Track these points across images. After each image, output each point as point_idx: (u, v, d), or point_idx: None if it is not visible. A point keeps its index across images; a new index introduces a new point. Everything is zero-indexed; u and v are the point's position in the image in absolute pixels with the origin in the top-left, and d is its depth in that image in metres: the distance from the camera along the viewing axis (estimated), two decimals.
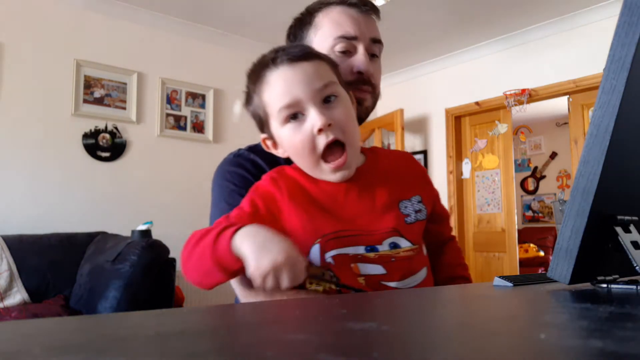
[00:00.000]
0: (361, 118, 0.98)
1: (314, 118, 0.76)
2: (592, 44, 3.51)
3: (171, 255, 2.54)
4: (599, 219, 0.47)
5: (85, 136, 3.27)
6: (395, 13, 3.45)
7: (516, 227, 4.22)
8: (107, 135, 3.34)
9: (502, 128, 4.23)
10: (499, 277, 0.58)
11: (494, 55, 4.14)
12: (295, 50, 0.81)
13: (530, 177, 7.22)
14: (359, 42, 0.96)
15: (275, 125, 0.81)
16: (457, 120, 4.46)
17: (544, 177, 7.11)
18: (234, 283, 0.81)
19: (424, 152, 4.59)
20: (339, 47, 0.95)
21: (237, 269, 0.66)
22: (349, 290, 0.76)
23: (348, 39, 0.95)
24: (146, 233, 2.67)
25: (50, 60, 3.17)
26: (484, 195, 4.32)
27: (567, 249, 0.47)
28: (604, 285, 0.50)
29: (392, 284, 0.77)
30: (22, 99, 3.05)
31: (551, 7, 3.52)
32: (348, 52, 0.95)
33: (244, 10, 3.53)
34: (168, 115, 3.64)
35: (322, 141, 0.77)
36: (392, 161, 0.90)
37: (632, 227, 0.50)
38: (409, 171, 0.90)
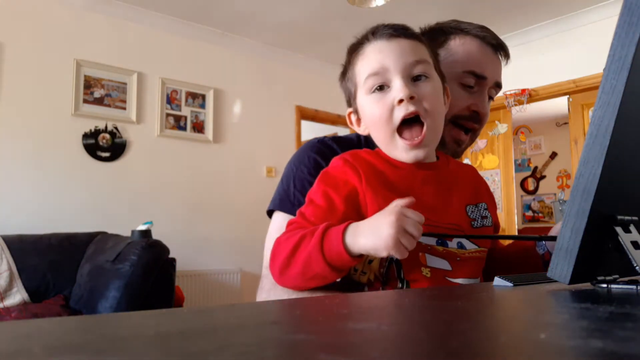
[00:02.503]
0: (454, 157, 0.99)
1: (397, 89, 0.76)
2: (592, 44, 3.51)
3: (171, 255, 2.54)
4: (599, 219, 0.47)
5: (85, 136, 3.27)
6: (395, 13, 3.45)
7: (516, 227, 4.22)
8: (107, 135, 3.35)
9: (502, 128, 4.23)
10: (499, 277, 0.58)
11: None
12: (396, 26, 0.80)
13: (530, 177, 7.21)
14: (486, 83, 0.96)
15: (360, 94, 0.81)
16: None
17: (544, 177, 7.11)
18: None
19: None
20: (465, 81, 0.95)
21: (352, 265, 0.69)
22: (394, 284, 0.75)
23: (478, 77, 0.95)
24: (146, 233, 2.67)
25: (50, 60, 3.17)
26: None
27: (567, 249, 0.47)
28: (604, 285, 0.50)
29: (459, 280, 0.77)
30: (22, 99, 3.06)
31: (551, 7, 3.52)
32: (470, 88, 0.96)
33: (244, 10, 3.53)
34: (168, 115, 3.64)
35: (400, 113, 0.76)
36: (460, 167, 0.90)
37: (632, 227, 0.50)
38: (475, 180, 0.91)
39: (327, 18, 3.64)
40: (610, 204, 0.48)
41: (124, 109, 3.45)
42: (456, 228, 0.79)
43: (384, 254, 0.64)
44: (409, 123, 0.77)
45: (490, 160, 4.30)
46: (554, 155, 6.98)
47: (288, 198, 0.89)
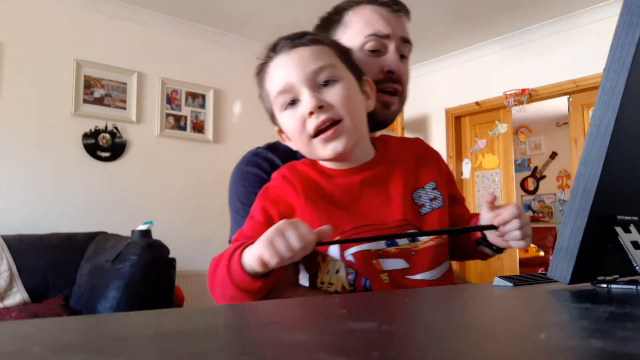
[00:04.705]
0: (386, 122, 0.97)
1: (305, 102, 0.74)
2: (592, 44, 3.51)
3: (171, 255, 2.53)
4: (599, 219, 0.47)
5: (85, 136, 3.27)
6: None
7: None
8: (107, 135, 3.34)
9: (502, 128, 4.23)
10: (499, 277, 0.58)
11: (494, 55, 4.14)
12: (295, 35, 0.78)
13: (530, 177, 7.21)
14: (390, 40, 0.94)
15: (277, 113, 0.80)
16: (457, 120, 4.46)
17: (544, 177, 7.11)
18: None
19: None
20: (369, 46, 0.93)
21: (259, 287, 0.67)
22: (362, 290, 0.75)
23: (379, 37, 0.93)
24: (146, 233, 2.67)
25: (50, 60, 3.17)
26: (484, 195, 4.32)
27: (567, 249, 0.47)
28: (604, 285, 0.50)
29: (418, 277, 0.75)
30: (22, 99, 3.05)
31: (551, 7, 3.52)
32: (378, 51, 0.94)
33: (244, 10, 3.53)
34: (168, 115, 3.64)
35: (312, 124, 0.75)
36: (403, 149, 0.87)
37: (632, 227, 0.50)
38: (421, 157, 0.87)
39: None
40: (610, 204, 0.48)
41: (124, 109, 3.44)
42: (404, 223, 0.77)
43: (258, 260, 0.63)
44: (325, 129, 0.76)
45: (490, 160, 4.30)
46: (554, 155, 6.98)
47: (242, 217, 0.87)
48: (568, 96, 3.90)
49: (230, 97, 3.97)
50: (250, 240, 0.71)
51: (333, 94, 0.75)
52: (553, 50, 3.78)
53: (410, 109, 4.54)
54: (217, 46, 3.92)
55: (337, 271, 0.77)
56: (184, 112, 3.72)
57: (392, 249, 0.75)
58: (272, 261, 0.63)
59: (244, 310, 0.44)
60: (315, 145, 0.77)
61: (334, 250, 0.76)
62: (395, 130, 4.23)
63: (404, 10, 0.98)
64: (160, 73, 3.61)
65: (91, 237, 2.83)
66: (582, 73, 3.59)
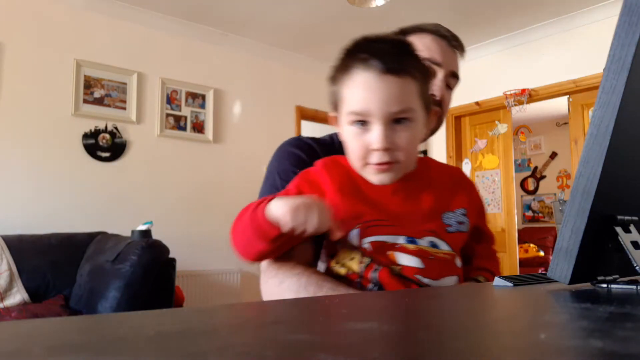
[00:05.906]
0: (427, 137, 1.06)
1: (375, 136, 0.77)
2: (592, 44, 3.51)
3: (171, 255, 2.53)
4: (599, 219, 0.47)
5: (85, 136, 3.27)
6: (395, 13, 3.45)
7: (516, 227, 4.22)
8: (107, 135, 3.34)
9: (502, 128, 4.23)
10: (499, 277, 0.58)
11: (494, 55, 4.14)
12: (390, 58, 0.76)
13: (530, 177, 7.21)
14: (440, 69, 1.04)
15: (343, 119, 0.82)
16: (457, 120, 4.46)
17: (544, 177, 7.11)
18: (263, 268, 0.84)
19: (424, 152, 4.59)
20: None
21: (275, 236, 0.72)
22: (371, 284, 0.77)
23: (433, 63, 1.02)
24: (146, 233, 2.67)
25: (50, 60, 3.17)
26: (484, 195, 4.32)
27: (567, 249, 0.47)
28: (604, 285, 0.50)
29: (426, 280, 0.77)
30: (22, 99, 3.05)
31: (551, 7, 3.52)
32: None
33: (244, 10, 3.53)
34: (168, 115, 3.64)
35: (374, 159, 0.78)
36: (441, 173, 0.91)
37: (632, 227, 0.50)
38: (457, 184, 0.91)
39: (327, 18, 3.64)
40: (610, 204, 0.48)
41: (124, 109, 3.44)
42: (430, 232, 0.81)
43: (278, 217, 0.70)
44: None
45: (490, 160, 4.30)
46: (554, 155, 6.98)
47: (277, 190, 0.92)
48: (568, 96, 3.90)
49: (230, 97, 3.97)
50: None
51: (403, 138, 0.78)
52: (553, 50, 3.78)
53: None
54: (217, 46, 3.92)
55: (352, 259, 0.80)
56: (184, 112, 3.72)
57: (411, 247, 0.78)
58: (286, 227, 0.70)
59: (244, 310, 0.44)
60: (365, 169, 0.81)
61: (353, 236, 0.80)
62: None
63: (460, 48, 1.09)
64: (160, 73, 3.61)
65: (91, 237, 2.83)
66: (582, 73, 3.59)
